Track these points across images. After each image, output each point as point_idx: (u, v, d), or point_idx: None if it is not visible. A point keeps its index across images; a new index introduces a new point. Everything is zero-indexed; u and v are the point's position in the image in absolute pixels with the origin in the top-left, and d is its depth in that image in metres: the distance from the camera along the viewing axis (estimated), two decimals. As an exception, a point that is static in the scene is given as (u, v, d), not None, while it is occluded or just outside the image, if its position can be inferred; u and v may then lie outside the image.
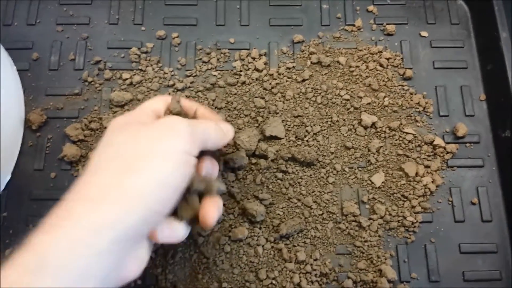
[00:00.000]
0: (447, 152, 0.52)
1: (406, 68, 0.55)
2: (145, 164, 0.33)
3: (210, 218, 0.38)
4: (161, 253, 0.47)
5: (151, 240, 0.36)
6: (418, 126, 0.53)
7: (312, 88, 0.54)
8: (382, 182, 0.50)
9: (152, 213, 0.33)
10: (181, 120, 0.37)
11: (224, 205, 0.48)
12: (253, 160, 0.50)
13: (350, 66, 0.55)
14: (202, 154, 0.39)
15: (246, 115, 0.52)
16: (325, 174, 0.50)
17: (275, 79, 0.54)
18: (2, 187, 0.49)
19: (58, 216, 0.31)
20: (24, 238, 0.47)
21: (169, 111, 0.40)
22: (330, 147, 0.51)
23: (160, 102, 0.41)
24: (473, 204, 0.50)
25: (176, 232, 0.38)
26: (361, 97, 0.53)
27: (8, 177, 0.50)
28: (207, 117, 0.43)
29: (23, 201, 0.49)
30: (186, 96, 0.53)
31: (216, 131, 0.40)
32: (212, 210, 0.38)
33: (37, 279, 0.27)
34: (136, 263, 0.35)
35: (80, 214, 0.30)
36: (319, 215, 0.49)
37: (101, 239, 0.30)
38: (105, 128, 0.51)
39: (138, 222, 0.32)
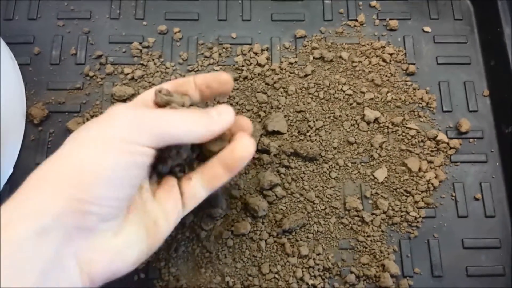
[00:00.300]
0: (450, 148, 0.51)
1: (409, 64, 0.55)
2: (70, 151, 0.32)
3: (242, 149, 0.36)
4: (164, 247, 0.46)
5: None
6: (421, 121, 0.52)
7: (314, 83, 0.53)
8: (385, 177, 0.50)
9: (78, 201, 0.30)
10: (123, 107, 0.34)
11: (226, 200, 0.48)
12: (256, 155, 0.50)
13: (353, 61, 0.55)
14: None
15: (248, 110, 0.52)
16: (328, 169, 0.50)
17: (277, 74, 0.54)
18: (4, 181, 0.49)
19: None
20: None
21: (156, 103, 0.37)
22: (333, 142, 0.51)
23: (152, 91, 0.38)
24: (476, 199, 0.50)
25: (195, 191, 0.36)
26: (364, 92, 0.53)
27: (10, 171, 0.50)
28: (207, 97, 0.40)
29: (24, 195, 0.49)
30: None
31: (190, 121, 0.34)
32: (245, 141, 0.36)
33: None
34: (104, 255, 0.32)
35: (4, 207, 0.29)
36: (322, 210, 0.48)
37: (22, 230, 0.28)
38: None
39: (65, 211, 0.29)
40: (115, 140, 0.32)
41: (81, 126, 0.34)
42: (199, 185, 0.38)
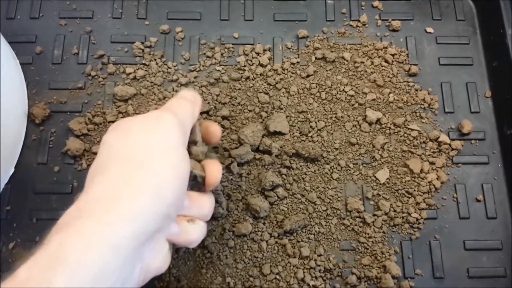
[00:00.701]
0: (452, 149, 0.51)
1: (411, 64, 0.55)
2: (151, 158, 0.33)
3: (216, 172, 0.39)
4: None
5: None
6: (423, 122, 0.52)
7: (316, 83, 0.53)
8: (387, 179, 0.50)
9: (166, 206, 0.32)
10: (168, 112, 0.37)
11: (230, 198, 0.48)
12: (257, 156, 0.50)
13: (355, 62, 0.54)
14: None
15: (250, 111, 0.52)
16: (329, 170, 0.50)
17: (279, 74, 0.54)
18: (6, 180, 0.49)
19: (71, 215, 0.30)
20: (27, 232, 0.47)
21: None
22: (335, 143, 0.51)
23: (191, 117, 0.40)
24: (478, 201, 0.50)
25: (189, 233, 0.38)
26: (366, 93, 0.53)
27: (12, 170, 0.50)
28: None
29: (26, 194, 0.49)
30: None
31: (188, 105, 0.39)
32: (215, 165, 0.39)
33: (52, 277, 0.26)
34: (157, 257, 0.35)
35: (93, 212, 0.30)
36: (323, 211, 0.48)
37: (117, 235, 0.29)
38: (109, 122, 0.51)
39: (154, 217, 0.32)
40: (180, 145, 0.35)
41: (133, 129, 0.36)
42: None
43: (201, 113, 0.51)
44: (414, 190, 0.49)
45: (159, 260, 0.35)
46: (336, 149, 0.51)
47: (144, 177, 0.32)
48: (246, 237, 0.47)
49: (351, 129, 0.52)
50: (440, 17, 0.58)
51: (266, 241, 0.47)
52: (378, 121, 0.52)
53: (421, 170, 0.50)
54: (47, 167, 0.50)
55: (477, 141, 0.52)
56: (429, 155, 0.51)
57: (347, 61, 0.54)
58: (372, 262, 0.47)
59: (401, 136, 0.51)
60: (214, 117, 0.51)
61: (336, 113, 0.52)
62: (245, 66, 0.54)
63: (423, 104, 0.53)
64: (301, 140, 0.51)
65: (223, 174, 0.46)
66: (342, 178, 0.50)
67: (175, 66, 0.54)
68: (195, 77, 0.54)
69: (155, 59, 0.54)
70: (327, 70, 0.54)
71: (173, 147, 0.35)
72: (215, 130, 0.43)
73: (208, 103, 0.52)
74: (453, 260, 0.48)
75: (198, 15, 0.57)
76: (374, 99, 0.53)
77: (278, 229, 0.47)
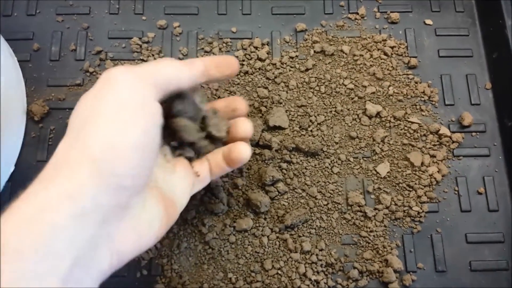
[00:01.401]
0: (453, 142, 0.51)
1: (410, 57, 0.55)
2: (91, 125, 0.30)
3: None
4: (167, 243, 0.46)
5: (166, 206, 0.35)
6: (423, 115, 0.52)
7: (315, 77, 0.53)
8: (388, 172, 0.50)
9: (113, 176, 0.29)
10: (119, 71, 0.33)
11: (231, 194, 0.48)
12: (257, 150, 0.50)
13: (354, 55, 0.54)
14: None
15: (249, 105, 0.52)
16: (329, 164, 0.50)
17: (278, 68, 0.53)
18: (6, 179, 0.49)
19: (18, 199, 0.28)
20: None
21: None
22: (335, 137, 0.51)
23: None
24: (480, 193, 0.50)
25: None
26: (365, 86, 0.53)
27: (12, 168, 0.49)
28: None
29: (25, 193, 0.49)
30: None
31: (176, 65, 0.36)
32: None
33: None
34: (130, 237, 0.32)
35: (33, 193, 0.28)
36: (324, 205, 0.48)
37: (59, 214, 0.27)
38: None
39: (100, 190, 0.29)
40: (131, 104, 0.31)
41: (82, 101, 0.32)
42: (206, 169, 0.41)
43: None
44: (415, 184, 0.49)
45: (133, 240, 0.32)
46: (336, 143, 0.50)
47: (81, 149, 0.29)
48: (247, 232, 0.47)
49: (351, 122, 0.51)
50: (439, 8, 0.57)
51: (267, 236, 0.47)
52: (378, 114, 0.52)
53: (422, 163, 0.50)
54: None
55: (477, 133, 0.52)
56: (429, 148, 0.51)
57: (346, 54, 0.54)
58: (374, 256, 0.47)
59: (401, 129, 0.51)
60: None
61: (335, 107, 0.52)
62: (243, 60, 0.54)
63: (423, 97, 0.53)
64: (301, 135, 0.50)
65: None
66: (342, 172, 0.50)
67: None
68: (193, 72, 0.53)
69: (153, 55, 0.54)
70: (326, 64, 0.54)
71: (122, 108, 0.31)
72: (240, 103, 0.43)
73: (208, 97, 0.51)
74: (455, 253, 0.48)
75: (195, 10, 0.57)
76: (373, 92, 0.52)
77: (279, 224, 0.47)
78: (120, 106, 0.31)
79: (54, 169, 0.29)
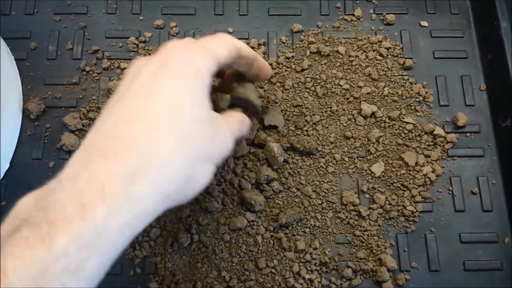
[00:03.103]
0: (447, 142, 0.51)
1: (406, 58, 0.55)
2: (174, 99, 0.32)
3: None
4: (161, 241, 0.46)
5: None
6: (418, 115, 0.52)
7: (311, 77, 0.53)
8: (382, 172, 0.50)
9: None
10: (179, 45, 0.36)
11: (225, 192, 0.48)
12: (252, 150, 0.50)
13: (350, 56, 0.54)
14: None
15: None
16: (324, 163, 0.50)
17: (274, 68, 0.54)
18: (1, 176, 0.49)
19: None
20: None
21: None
22: (330, 136, 0.51)
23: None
24: (474, 193, 0.50)
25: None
26: (360, 87, 0.53)
27: (7, 166, 0.49)
28: None
29: (21, 190, 0.48)
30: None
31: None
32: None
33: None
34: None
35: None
36: (319, 204, 0.48)
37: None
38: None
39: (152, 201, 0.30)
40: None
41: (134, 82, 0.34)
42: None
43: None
44: (410, 183, 0.49)
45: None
46: (331, 142, 0.51)
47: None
48: (242, 231, 0.47)
49: (346, 122, 0.52)
50: (434, 10, 0.58)
51: (262, 235, 0.47)
52: (373, 114, 0.52)
53: (416, 163, 0.50)
54: (42, 162, 0.50)
55: (472, 134, 0.52)
56: (424, 148, 0.51)
57: (341, 55, 0.54)
58: (368, 255, 0.47)
59: (396, 130, 0.51)
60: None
61: (331, 107, 0.52)
62: (240, 60, 0.54)
63: (418, 98, 0.53)
64: (296, 134, 0.51)
65: (222, 167, 0.46)
66: (337, 171, 0.50)
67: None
68: (190, 72, 0.53)
69: (149, 54, 0.54)
70: (322, 64, 0.54)
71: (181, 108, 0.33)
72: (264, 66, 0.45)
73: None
74: (449, 253, 0.48)
75: (192, 10, 0.57)
76: (369, 93, 0.53)
77: (274, 223, 0.47)
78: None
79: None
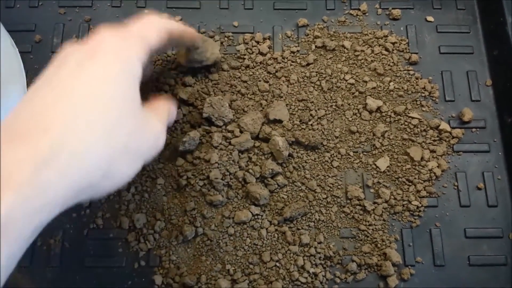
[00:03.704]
0: (453, 137, 0.51)
1: (411, 53, 0.55)
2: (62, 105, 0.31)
3: None
4: (165, 234, 0.46)
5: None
6: (423, 110, 0.52)
7: (316, 72, 0.53)
8: (387, 167, 0.50)
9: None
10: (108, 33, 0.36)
11: (230, 186, 0.48)
12: (257, 144, 0.50)
13: (355, 50, 0.54)
14: None
15: (250, 99, 0.52)
16: (329, 158, 0.50)
17: (279, 63, 0.54)
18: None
19: None
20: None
21: None
22: (335, 131, 0.51)
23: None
24: (479, 189, 0.50)
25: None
26: (366, 82, 0.53)
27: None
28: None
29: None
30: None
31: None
32: None
33: None
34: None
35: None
36: (324, 198, 0.48)
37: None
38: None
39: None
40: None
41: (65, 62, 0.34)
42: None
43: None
44: (415, 178, 0.49)
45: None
46: (336, 137, 0.51)
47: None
48: (246, 224, 0.47)
49: (351, 117, 0.51)
50: (440, 6, 0.58)
51: (266, 229, 0.47)
52: (378, 109, 0.52)
53: (422, 158, 0.50)
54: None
55: (477, 129, 0.52)
56: (429, 143, 0.51)
57: (347, 49, 0.54)
58: (373, 250, 0.47)
59: (401, 124, 0.51)
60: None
61: (336, 102, 0.52)
62: (245, 54, 0.54)
63: (423, 93, 0.53)
64: (301, 128, 0.50)
65: (222, 159, 0.46)
66: (342, 166, 0.50)
67: (174, 55, 0.54)
68: (194, 66, 0.53)
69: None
70: (327, 59, 0.54)
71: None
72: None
73: (208, 91, 0.51)
74: (453, 248, 0.48)
75: (197, 4, 0.57)
76: (374, 88, 0.53)
77: (278, 217, 0.47)
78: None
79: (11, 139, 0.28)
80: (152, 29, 0.38)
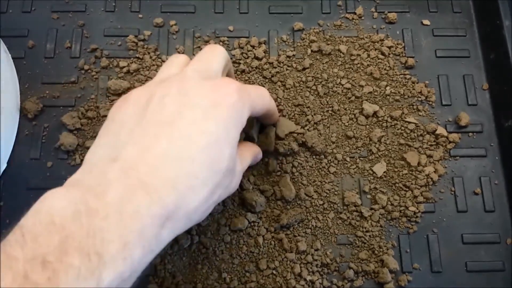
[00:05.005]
0: (450, 142, 0.51)
1: (408, 57, 0.54)
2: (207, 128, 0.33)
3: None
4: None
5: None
6: (420, 115, 0.52)
7: (312, 76, 0.53)
8: (384, 172, 0.49)
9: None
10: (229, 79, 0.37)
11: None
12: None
13: (351, 55, 0.54)
14: None
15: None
16: (326, 164, 0.49)
17: (275, 67, 0.53)
18: (-2, 176, 0.48)
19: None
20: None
21: None
22: (331, 136, 0.50)
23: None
24: (476, 194, 0.50)
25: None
26: (362, 86, 0.52)
27: (4, 166, 0.49)
28: None
29: (19, 190, 0.48)
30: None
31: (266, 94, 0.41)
32: None
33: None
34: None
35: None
36: (320, 205, 0.48)
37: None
38: (102, 116, 0.50)
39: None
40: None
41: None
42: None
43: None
44: (412, 184, 0.49)
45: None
46: (333, 142, 0.50)
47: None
48: (242, 232, 0.47)
49: (347, 122, 0.51)
50: (436, 9, 0.57)
51: (263, 236, 0.46)
52: (375, 114, 0.51)
53: (419, 163, 0.49)
54: (40, 162, 0.50)
55: (474, 133, 0.52)
56: (426, 148, 0.50)
57: (343, 53, 0.54)
58: (370, 257, 0.47)
59: (398, 129, 0.51)
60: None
61: (332, 106, 0.51)
62: (240, 59, 0.54)
63: (420, 97, 0.53)
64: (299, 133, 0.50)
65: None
66: (339, 171, 0.49)
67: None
68: (189, 71, 0.53)
69: (149, 53, 0.54)
70: (323, 63, 0.53)
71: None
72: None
73: None
74: (451, 254, 0.47)
75: (192, 8, 0.56)
76: (370, 92, 0.52)
77: (275, 224, 0.47)
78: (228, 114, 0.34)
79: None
80: (261, 99, 0.40)
